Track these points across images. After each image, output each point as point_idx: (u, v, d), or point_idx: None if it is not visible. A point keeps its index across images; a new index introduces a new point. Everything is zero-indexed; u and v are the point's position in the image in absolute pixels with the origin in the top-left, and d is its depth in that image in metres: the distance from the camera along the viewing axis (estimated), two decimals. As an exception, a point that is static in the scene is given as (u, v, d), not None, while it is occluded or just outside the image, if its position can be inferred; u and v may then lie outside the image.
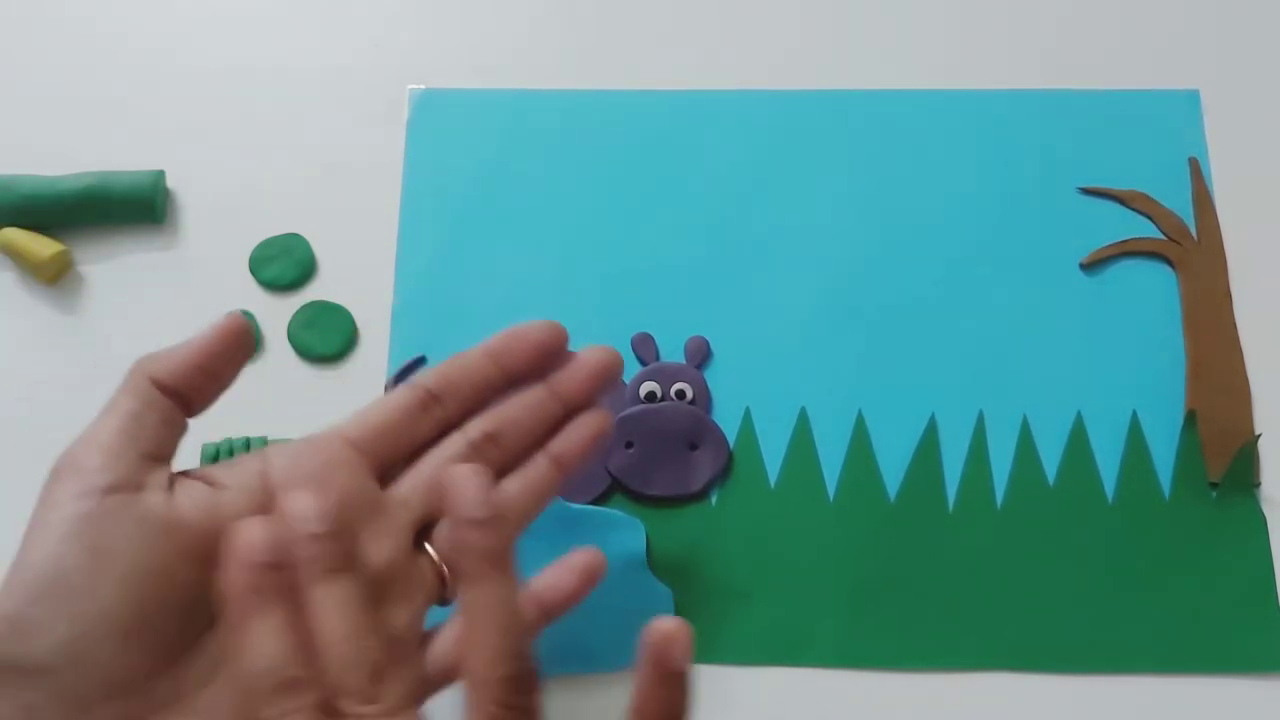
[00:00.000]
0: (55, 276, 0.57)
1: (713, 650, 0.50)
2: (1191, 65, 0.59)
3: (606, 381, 0.40)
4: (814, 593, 0.50)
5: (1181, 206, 0.57)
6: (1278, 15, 0.61)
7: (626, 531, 0.51)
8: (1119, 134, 0.58)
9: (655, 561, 0.51)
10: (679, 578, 0.51)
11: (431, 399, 0.37)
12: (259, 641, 0.29)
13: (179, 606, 0.32)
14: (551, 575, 0.39)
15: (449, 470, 0.32)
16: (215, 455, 0.52)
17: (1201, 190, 0.57)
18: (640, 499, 0.52)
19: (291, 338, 0.56)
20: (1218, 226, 0.56)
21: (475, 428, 0.38)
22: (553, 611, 0.38)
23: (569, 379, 0.39)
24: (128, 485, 0.32)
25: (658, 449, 0.52)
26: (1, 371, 0.55)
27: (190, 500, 0.33)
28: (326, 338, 0.55)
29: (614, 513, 0.52)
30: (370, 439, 0.36)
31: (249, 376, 0.55)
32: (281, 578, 0.30)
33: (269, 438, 0.53)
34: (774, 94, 0.59)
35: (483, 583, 0.30)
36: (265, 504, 0.34)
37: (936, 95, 0.59)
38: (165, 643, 0.32)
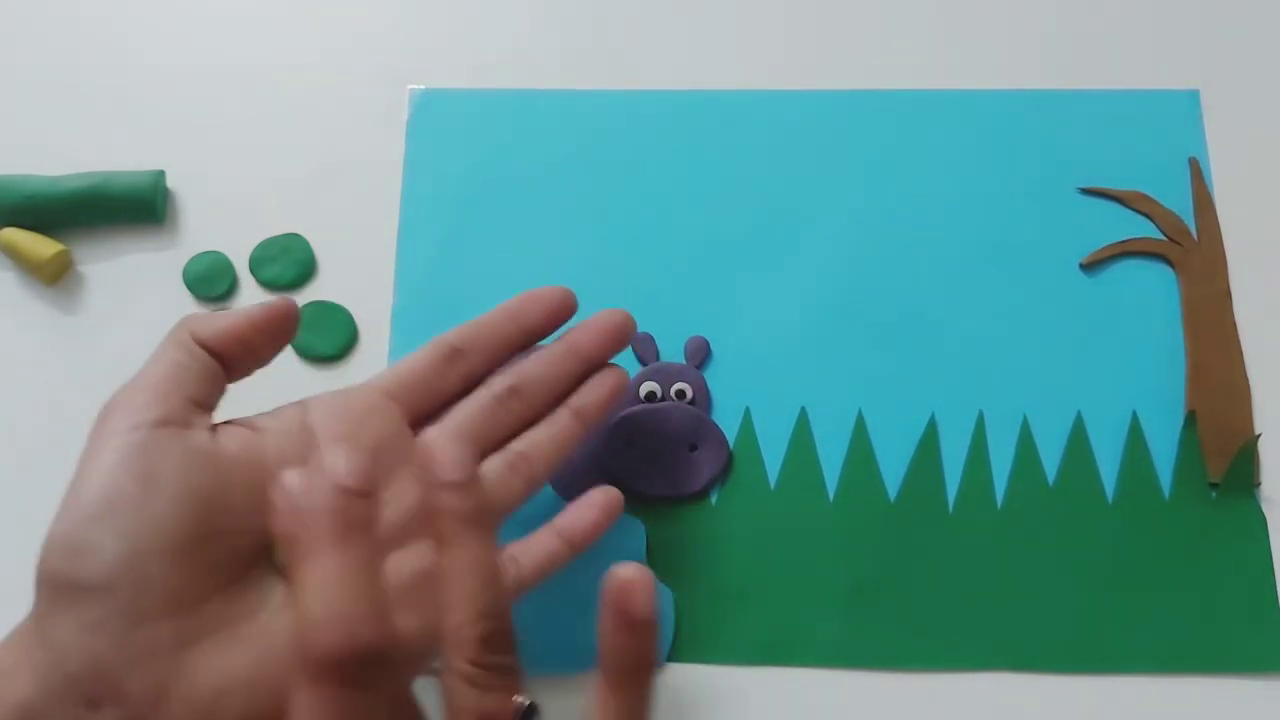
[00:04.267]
0: (55, 276, 0.57)
1: (713, 650, 0.50)
2: (1191, 65, 0.59)
3: (620, 339, 0.42)
4: (814, 593, 0.50)
5: (1181, 207, 0.57)
6: (1278, 15, 0.61)
7: (626, 531, 0.51)
8: (1119, 134, 0.58)
9: (655, 561, 0.51)
10: (679, 578, 0.51)
11: (456, 353, 0.40)
12: (315, 585, 0.28)
13: (228, 533, 0.34)
14: (573, 511, 0.42)
15: (426, 436, 0.33)
16: None
17: (1201, 190, 0.57)
18: (640, 499, 0.52)
19: (291, 338, 0.56)
20: (1218, 227, 0.56)
21: (499, 382, 0.40)
22: (576, 543, 0.41)
23: (584, 337, 0.41)
24: (175, 421, 0.34)
25: (658, 449, 0.52)
26: (1, 371, 0.55)
27: (234, 440, 0.35)
28: (326, 338, 0.55)
29: (614, 513, 0.52)
30: (402, 391, 0.39)
31: (250, 377, 0.56)
32: (330, 521, 0.29)
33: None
34: (774, 94, 0.59)
35: (459, 543, 0.31)
36: (306, 446, 0.36)
37: (937, 95, 0.59)
38: (215, 565, 0.33)
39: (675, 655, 0.50)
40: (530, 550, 0.41)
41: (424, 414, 0.40)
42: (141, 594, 0.31)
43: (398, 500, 0.37)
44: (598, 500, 0.41)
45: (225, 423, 0.37)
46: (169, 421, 0.34)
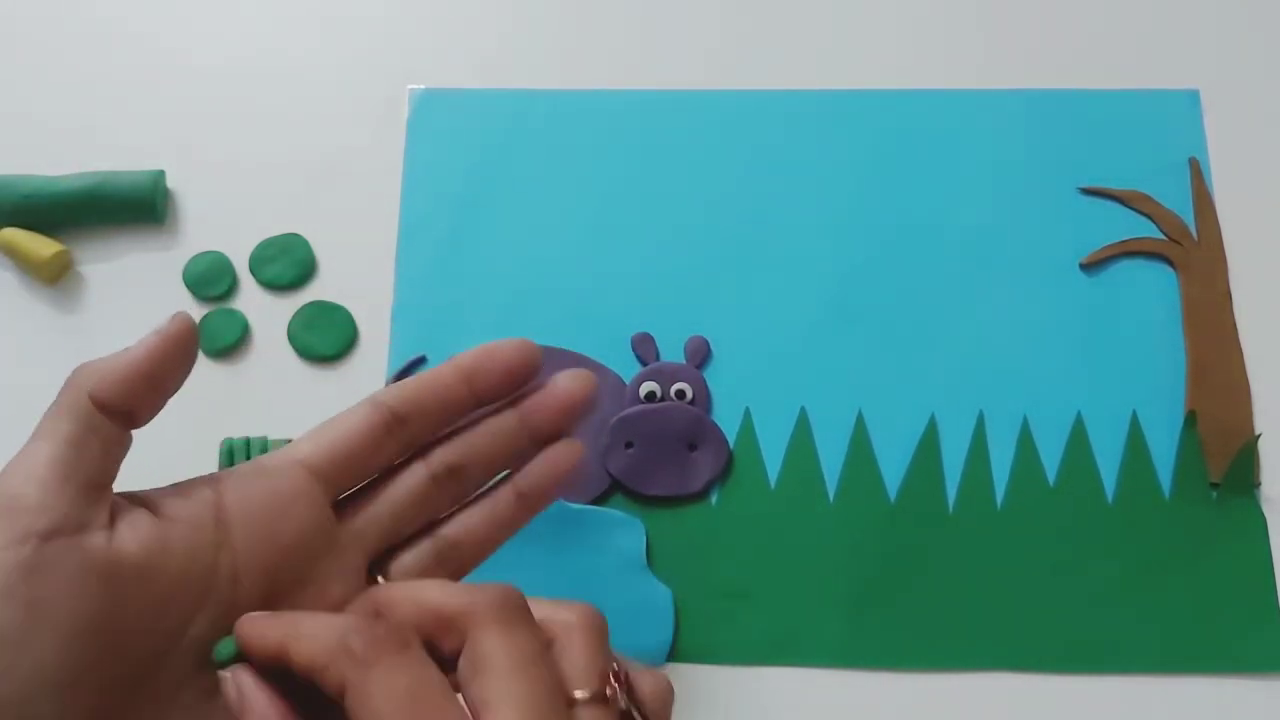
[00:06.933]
0: (55, 276, 0.57)
1: (713, 650, 0.50)
2: (1191, 65, 0.59)
3: (580, 412, 0.37)
4: (814, 593, 0.50)
5: (1181, 206, 0.57)
6: (1278, 15, 0.61)
7: (626, 531, 0.51)
8: (1119, 134, 0.58)
9: (655, 561, 0.51)
10: (679, 578, 0.51)
11: (396, 421, 0.35)
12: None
13: (122, 654, 0.30)
14: (537, 466, 0.38)
15: (378, 597, 0.31)
16: (230, 453, 0.52)
17: (1201, 190, 0.57)
18: (640, 499, 0.52)
19: (291, 338, 0.56)
20: (1218, 227, 0.56)
21: (438, 459, 0.36)
22: (535, 504, 0.38)
23: (539, 408, 0.37)
24: (67, 526, 0.30)
25: (658, 449, 0.52)
26: (1, 371, 0.55)
27: (135, 537, 0.31)
28: (326, 338, 0.55)
29: (614, 513, 0.52)
30: (329, 465, 0.34)
31: (250, 377, 0.56)
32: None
33: (270, 437, 0.53)
34: (774, 94, 0.59)
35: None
36: (218, 545, 0.32)
37: (937, 95, 0.59)
38: (109, 691, 0.30)
39: (675, 655, 0.50)
40: (480, 518, 0.37)
41: (352, 487, 0.36)
42: None
43: (317, 599, 0.34)
44: (562, 452, 0.37)
45: (126, 496, 0.32)
46: (60, 529, 0.30)
